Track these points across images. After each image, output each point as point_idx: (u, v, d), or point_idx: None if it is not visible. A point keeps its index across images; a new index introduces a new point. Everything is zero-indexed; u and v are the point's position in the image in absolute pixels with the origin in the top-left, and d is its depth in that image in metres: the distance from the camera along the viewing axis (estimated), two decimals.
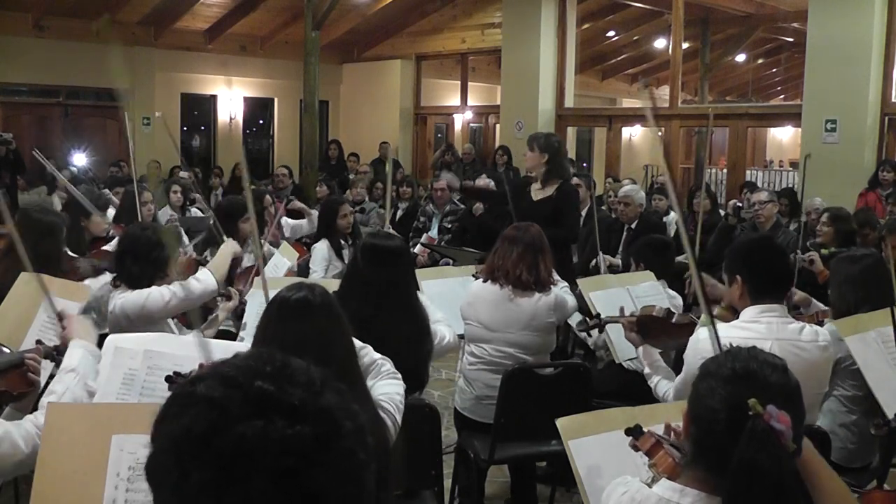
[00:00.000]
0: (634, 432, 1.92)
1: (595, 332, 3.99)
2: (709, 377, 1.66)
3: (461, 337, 3.69)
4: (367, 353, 2.44)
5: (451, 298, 3.87)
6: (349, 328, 2.09)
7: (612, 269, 5.65)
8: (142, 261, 3.32)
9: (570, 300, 3.81)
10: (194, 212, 7.76)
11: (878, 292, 3.37)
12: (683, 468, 1.69)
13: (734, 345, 1.76)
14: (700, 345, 2.65)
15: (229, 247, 3.87)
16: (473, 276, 4.04)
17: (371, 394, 2.14)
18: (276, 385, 0.86)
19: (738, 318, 2.83)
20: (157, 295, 3.20)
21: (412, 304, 3.07)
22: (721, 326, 2.80)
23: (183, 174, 10.50)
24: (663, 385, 3.07)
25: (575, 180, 6.91)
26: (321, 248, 5.43)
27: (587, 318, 3.67)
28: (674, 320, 3.31)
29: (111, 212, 5.99)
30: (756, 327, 2.68)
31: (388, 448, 1.96)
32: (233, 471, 0.81)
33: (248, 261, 5.07)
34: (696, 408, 1.66)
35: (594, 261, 5.90)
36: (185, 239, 5.77)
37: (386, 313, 2.92)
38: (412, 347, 2.98)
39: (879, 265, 3.58)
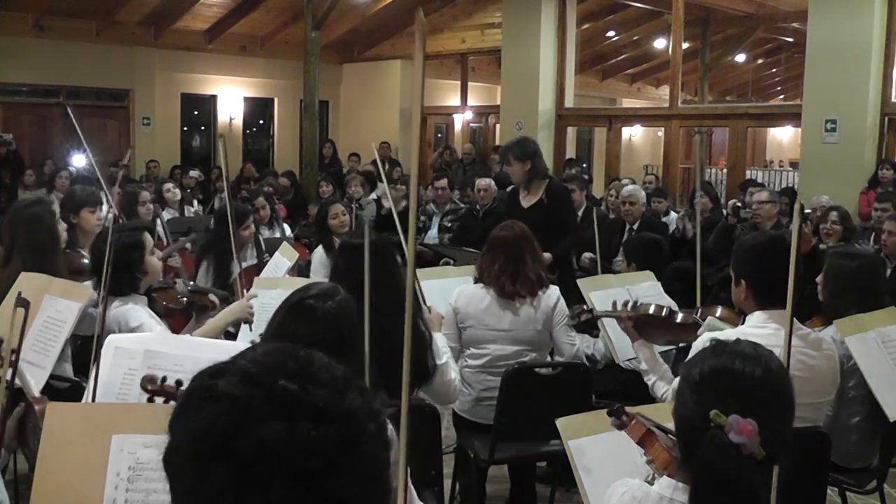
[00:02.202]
0: (616, 413, 1.86)
1: (600, 343, 3.94)
2: (682, 380, 1.67)
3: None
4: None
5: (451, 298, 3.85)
6: (359, 345, 2.08)
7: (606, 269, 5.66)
8: (115, 271, 3.25)
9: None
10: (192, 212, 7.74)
11: (870, 292, 3.38)
12: (678, 465, 1.69)
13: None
14: None
15: (230, 314, 3.39)
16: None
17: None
18: (300, 384, 0.84)
19: (743, 321, 2.81)
20: (146, 328, 3.16)
21: (399, 297, 3.08)
22: (726, 332, 2.79)
23: (193, 173, 10.51)
24: (661, 386, 3.05)
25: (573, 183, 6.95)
26: (319, 254, 5.43)
27: (581, 306, 3.58)
28: (678, 319, 3.28)
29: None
30: (762, 333, 2.63)
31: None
32: (254, 473, 0.79)
33: (249, 261, 5.08)
34: (675, 411, 1.68)
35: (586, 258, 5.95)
36: (162, 233, 5.76)
37: (373, 310, 2.94)
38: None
39: (876, 263, 3.59)
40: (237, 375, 0.85)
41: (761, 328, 2.67)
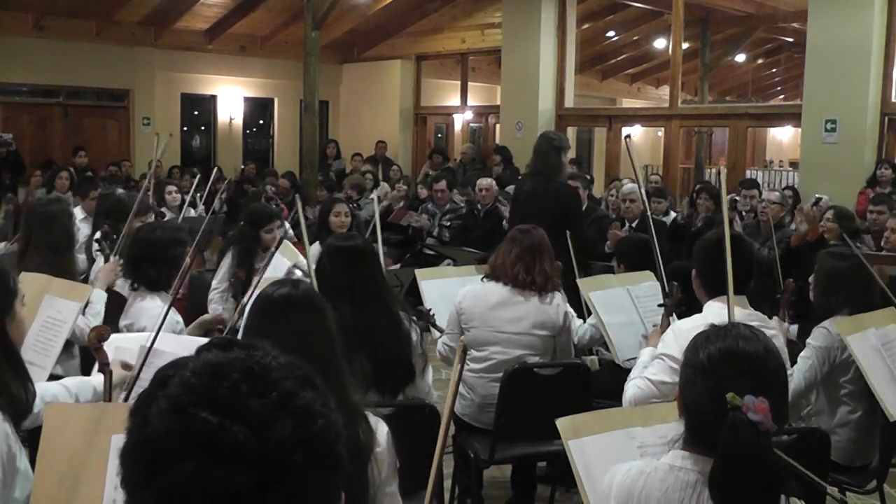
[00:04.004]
0: None
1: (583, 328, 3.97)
2: (687, 367, 1.71)
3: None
4: None
5: (452, 299, 3.83)
6: (333, 324, 2.10)
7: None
8: (158, 263, 3.42)
9: (585, 330, 3.81)
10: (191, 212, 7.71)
11: (861, 293, 3.38)
12: (682, 441, 1.73)
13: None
14: (685, 334, 2.62)
15: (203, 324, 3.55)
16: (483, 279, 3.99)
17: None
18: (221, 418, 0.80)
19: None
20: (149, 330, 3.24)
21: (383, 298, 3.12)
22: (690, 319, 2.83)
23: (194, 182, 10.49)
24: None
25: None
26: (314, 252, 5.43)
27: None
28: None
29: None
30: (724, 314, 2.70)
31: (368, 450, 1.95)
32: None
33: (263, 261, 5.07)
34: (683, 397, 1.72)
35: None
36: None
37: (358, 310, 2.98)
38: (392, 339, 3.03)
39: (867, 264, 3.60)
40: (167, 401, 0.82)
41: (723, 311, 2.73)
